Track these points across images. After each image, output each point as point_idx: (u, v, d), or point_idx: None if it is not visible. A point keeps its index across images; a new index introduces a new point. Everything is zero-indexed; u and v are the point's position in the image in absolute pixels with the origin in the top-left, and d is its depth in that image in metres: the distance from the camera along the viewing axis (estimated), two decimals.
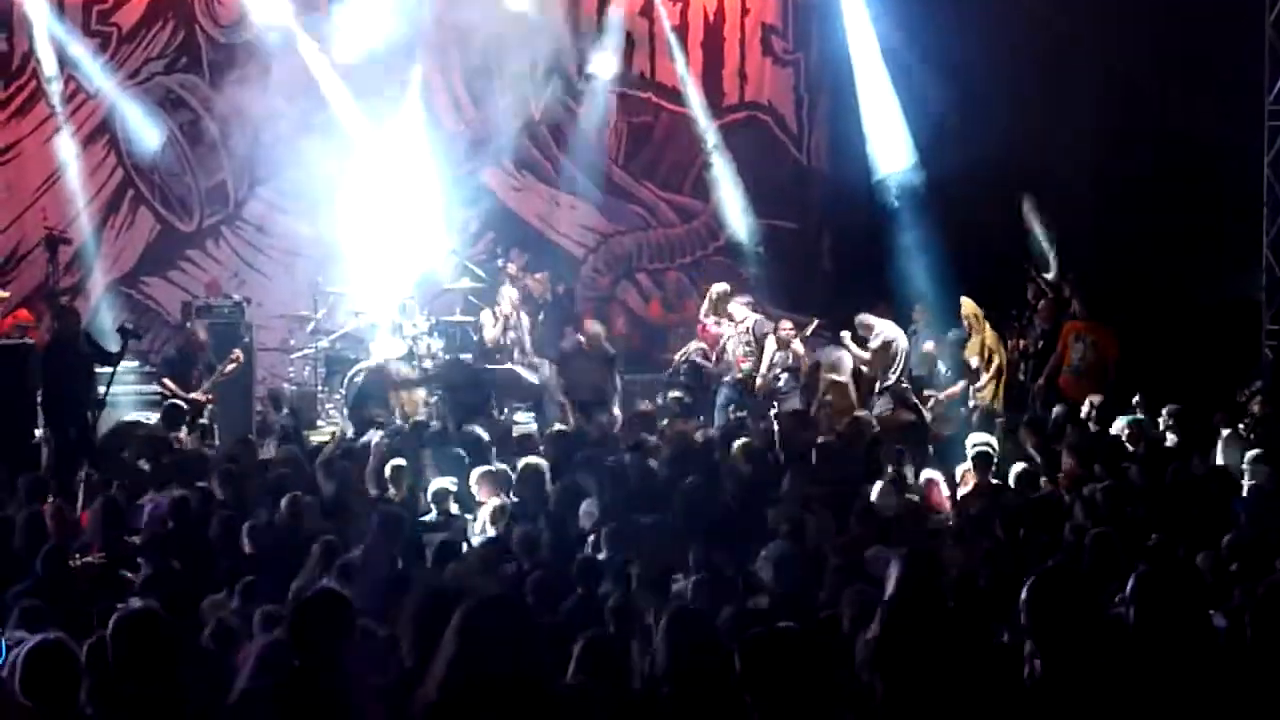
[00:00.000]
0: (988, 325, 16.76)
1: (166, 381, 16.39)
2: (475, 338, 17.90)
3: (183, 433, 15.53)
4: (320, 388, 18.25)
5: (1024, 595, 5.43)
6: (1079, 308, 16.53)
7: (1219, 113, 17.75)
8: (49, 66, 19.16)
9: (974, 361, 16.67)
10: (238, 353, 16.70)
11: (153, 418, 15.72)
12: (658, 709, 5.61)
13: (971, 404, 16.39)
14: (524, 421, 17.13)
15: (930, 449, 13.55)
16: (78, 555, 9.55)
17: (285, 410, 16.64)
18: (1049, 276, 17.74)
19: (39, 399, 14.93)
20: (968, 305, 16.80)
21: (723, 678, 5.68)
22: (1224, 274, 17.82)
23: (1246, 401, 15.86)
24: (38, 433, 14.88)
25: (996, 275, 17.73)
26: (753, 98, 21.03)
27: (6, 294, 17.27)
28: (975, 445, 12.53)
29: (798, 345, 16.87)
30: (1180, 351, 16.79)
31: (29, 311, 17.17)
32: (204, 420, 16.26)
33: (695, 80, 20.66)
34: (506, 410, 17.47)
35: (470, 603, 4.99)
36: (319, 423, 17.72)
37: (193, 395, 16.16)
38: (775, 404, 16.01)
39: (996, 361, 16.64)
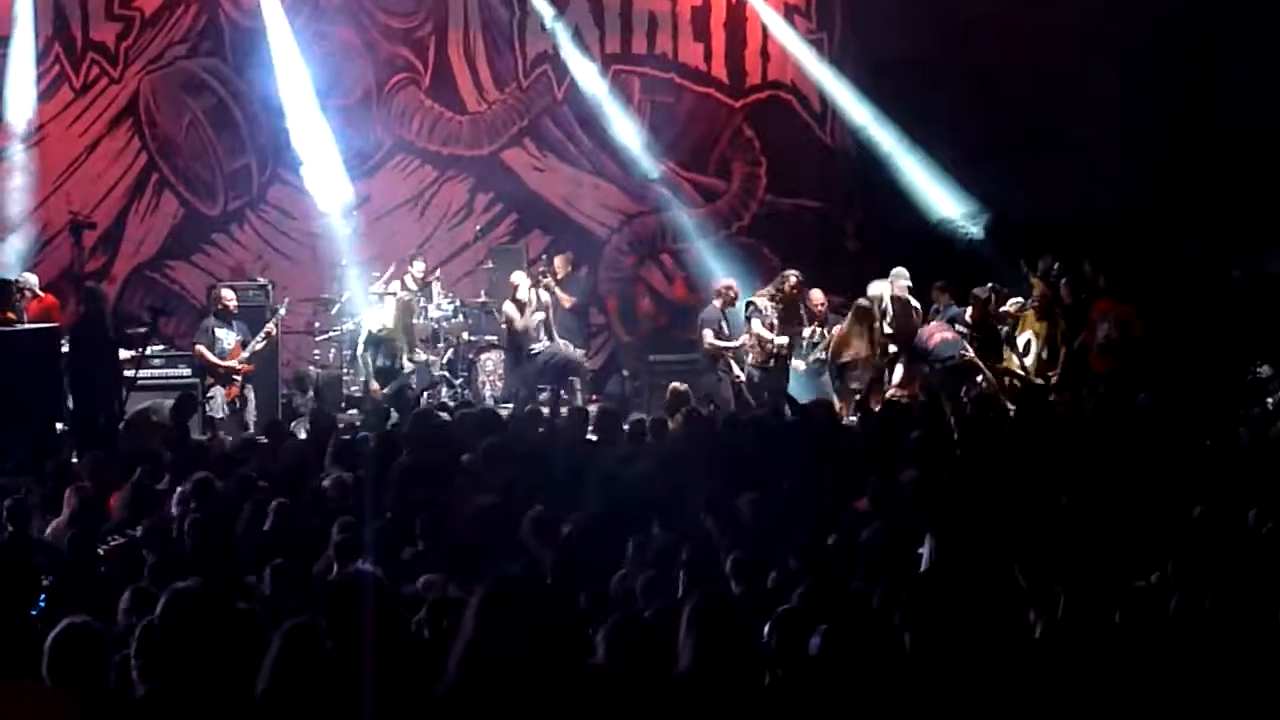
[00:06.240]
0: (1030, 315, 16.61)
1: (200, 349, 16.46)
2: (503, 326, 17.78)
3: (218, 414, 15.67)
4: (345, 370, 18.24)
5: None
6: (1103, 284, 16.43)
7: (1246, 83, 17.69)
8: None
9: (1022, 340, 16.54)
10: (270, 326, 16.79)
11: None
12: (684, 693, 5.54)
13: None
14: None
15: None
16: (108, 539, 9.47)
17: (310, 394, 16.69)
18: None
19: (66, 384, 14.92)
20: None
21: (753, 663, 5.58)
22: (1251, 247, 17.74)
23: (1269, 379, 15.80)
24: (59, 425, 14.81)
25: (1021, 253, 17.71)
26: (775, 77, 20.92)
27: (35, 277, 17.26)
28: None
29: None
30: (1207, 326, 16.71)
31: (54, 296, 17.18)
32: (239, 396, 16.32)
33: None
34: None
35: (491, 582, 4.94)
36: (343, 405, 17.73)
37: (228, 364, 16.31)
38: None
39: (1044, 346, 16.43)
